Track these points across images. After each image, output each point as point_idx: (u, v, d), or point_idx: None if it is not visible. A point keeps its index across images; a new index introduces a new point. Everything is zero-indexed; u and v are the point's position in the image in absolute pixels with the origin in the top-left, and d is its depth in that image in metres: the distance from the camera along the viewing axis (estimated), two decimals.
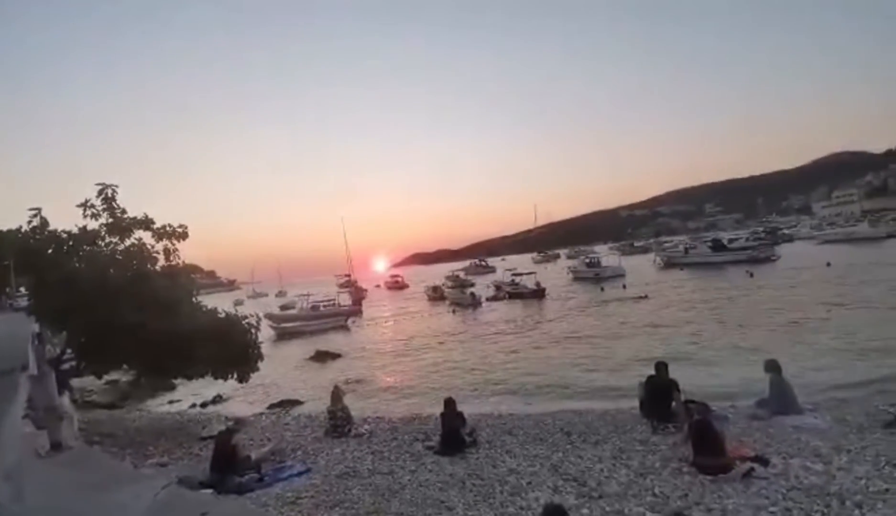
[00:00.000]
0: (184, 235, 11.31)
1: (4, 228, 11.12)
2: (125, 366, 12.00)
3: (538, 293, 36.69)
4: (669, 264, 50.38)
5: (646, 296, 28.80)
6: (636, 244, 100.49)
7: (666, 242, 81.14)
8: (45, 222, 10.69)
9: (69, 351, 10.63)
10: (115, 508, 3.74)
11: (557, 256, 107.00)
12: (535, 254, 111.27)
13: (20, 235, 11.11)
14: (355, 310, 39.66)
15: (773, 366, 7.79)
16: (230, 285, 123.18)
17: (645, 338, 17.56)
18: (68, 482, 4.44)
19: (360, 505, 5.71)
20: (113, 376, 14.13)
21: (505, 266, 60.66)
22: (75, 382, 12.27)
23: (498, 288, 42.23)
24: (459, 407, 8.17)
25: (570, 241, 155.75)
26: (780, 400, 7.60)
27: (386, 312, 41.65)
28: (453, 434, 7.62)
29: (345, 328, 32.49)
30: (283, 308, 44.31)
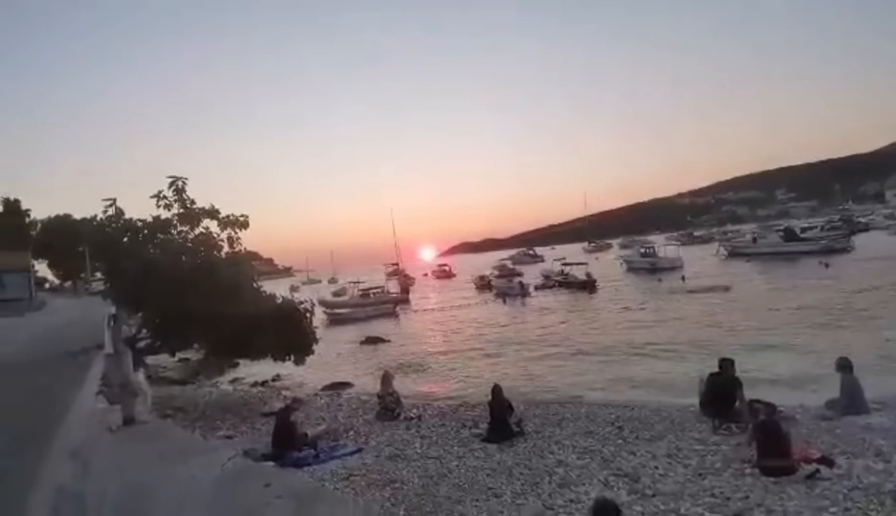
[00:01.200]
0: (245, 224, 11.98)
1: (79, 218, 12.25)
2: (195, 346, 12.95)
3: (589, 284, 35.61)
4: (734, 254, 47.28)
5: (727, 288, 26.65)
6: (697, 233, 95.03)
7: (730, 231, 76.13)
8: (120, 212, 11.64)
9: (145, 331, 11.62)
10: (184, 479, 4.02)
11: (609, 246, 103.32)
12: (585, 244, 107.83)
13: (95, 224, 12.17)
14: (403, 297, 40.41)
15: (844, 365, 7.36)
16: (287, 272, 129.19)
17: (706, 332, 16.61)
18: (139, 455, 4.79)
19: (409, 486, 5.87)
20: (185, 354, 15.29)
21: (554, 255, 59.30)
22: (151, 359, 13.41)
23: (546, 277, 41.50)
24: (506, 396, 8.17)
25: (623, 231, 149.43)
26: (850, 400, 7.20)
27: (433, 300, 42.14)
28: (501, 422, 7.64)
29: (393, 315, 33.20)
30: (335, 294, 45.86)
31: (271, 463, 6.46)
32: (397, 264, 69.81)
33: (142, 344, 11.28)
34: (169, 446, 5.17)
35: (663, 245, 54.46)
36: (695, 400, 8.03)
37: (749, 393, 7.31)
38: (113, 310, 11.71)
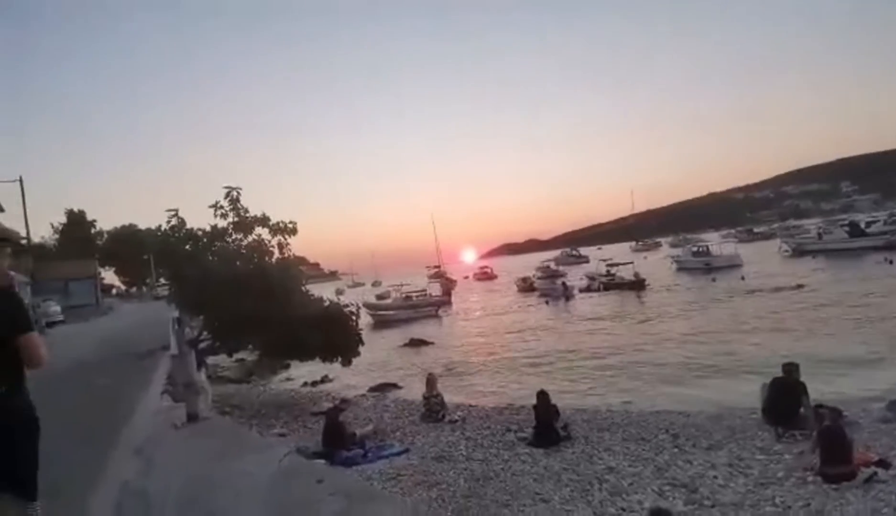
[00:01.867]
0: (294, 231, 12.49)
1: (143, 227, 13.29)
2: (250, 347, 13.61)
3: (637, 284, 34.30)
4: (799, 252, 44.15)
5: (799, 286, 24.87)
6: (756, 230, 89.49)
7: (793, 227, 71.21)
8: (182, 222, 12.45)
9: (205, 333, 12.34)
10: (242, 473, 4.22)
11: (658, 245, 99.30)
12: (633, 243, 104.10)
13: (160, 233, 13.06)
14: (445, 300, 40.57)
15: None
16: (332, 276, 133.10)
17: (770, 336, 15.49)
18: (202, 450, 5.05)
19: (455, 487, 5.89)
20: (241, 355, 16.07)
21: (599, 256, 57.60)
22: (210, 360, 14.20)
23: (592, 278, 40.36)
24: (552, 401, 8.04)
25: (673, 228, 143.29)
26: None
27: (475, 303, 42.06)
28: (547, 426, 7.52)
29: (435, 317, 33.41)
30: (379, 297, 46.76)
31: (322, 461, 6.66)
32: (439, 267, 70.24)
33: (202, 345, 11.97)
34: (228, 442, 5.44)
35: (719, 243, 51.41)
36: (757, 407, 7.62)
37: (815, 399, 6.97)
38: (177, 313, 12.51)
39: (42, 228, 46.69)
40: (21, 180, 19.00)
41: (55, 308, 24.28)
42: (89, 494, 3.51)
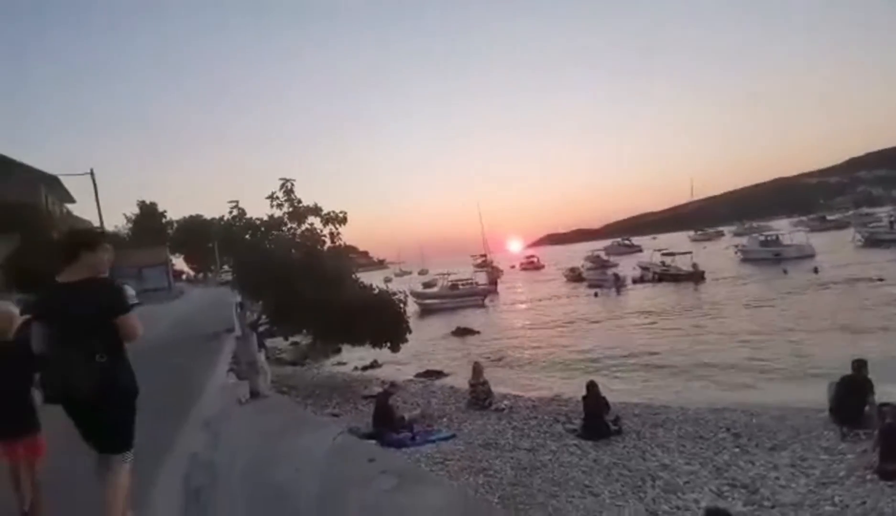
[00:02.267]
0: (344, 220, 12.90)
1: (209, 217, 14.27)
2: (304, 331, 14.29)
3: (695, 275, 32.46)
4: (873, 242, 40.20)
5: (880, 279, 22.62)
6: (829, 218, 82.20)
7: (865, 215, 64.87)
8: (242, 212, 13.20)
9: (264, 317, 13.07)
10: (300, 449, 4.45)
11: (720, 234, 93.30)
12: (691, 232, 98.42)
13: (223, 223, 13.91)
14: (491, 289, 40.42)
15: None
16: (380, 264, 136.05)
17: (842, 335, 14.27)
18: (263, 426, 5.36)
19: (502, 475, 5.93)
20: (296, 338, 16.87)
21: (655, 245, 54.97)
22: (268, 342, 15.02)
23: (645, 269, 38.72)
24: (602, 393, 7.86)
25: (736, 216, 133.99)
26: None
27: (521, 293, 41.64)
28: (597, 419, 7.38)
29: (481, 306, 33.41)
30: (426, 286, 47.28)
31: (373, 442, 6.92)
32: (485, 256, 69.97)
33: (262, 328, 12.70)
34: (287, 419, 5.74)
35: (789, 231, 47.54)
36: (825, 406, 7.20)
37: (886, 399, 6.46)
38: (239, 298, 13.29)
39: (116, 219, 50.77)
40: (92, 173, 20.60)
41: (131, 292, 26.59)
42: (160, 465, 3.79)
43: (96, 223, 21.79)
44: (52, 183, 23.38)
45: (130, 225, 49.98)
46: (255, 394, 6.51)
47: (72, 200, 30.49)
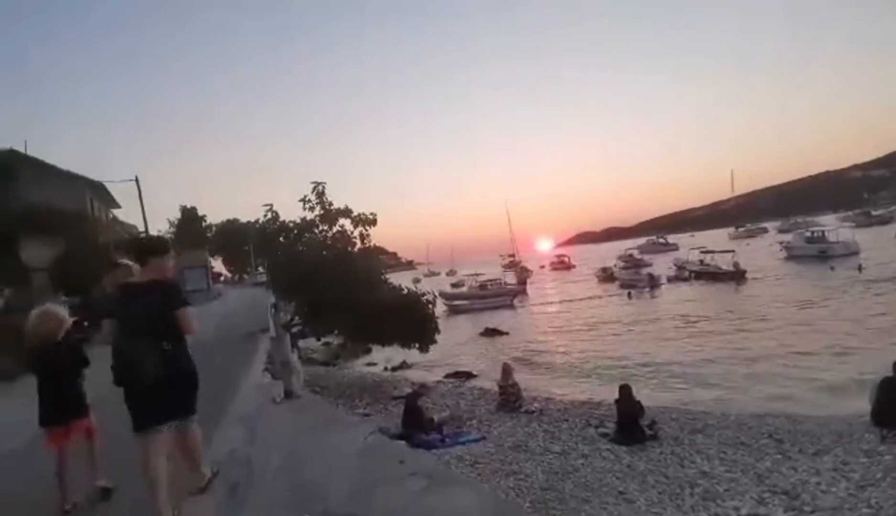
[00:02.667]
0: (373, 221, 13.07)
1: (245, 221, 14.76)
2: (336, 332, 14.56)
3: (736, 274, 31.12)
4: None
5: None
6: (875, 212, 77.36)
7: None
8: (276, 215, 13.57)
9: (297, 317, 13.39)
10: (332, 448, 4.52)
11: (764, 231, 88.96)
12: (731, 229, 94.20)
13: (258, 226, 14.35)
14: (520, 289, 40.09)
15: None
16: (409, 265, 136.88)
17: (887, 335, 13.47)
18: (296, 424, 5.47)
19: (533, 478, 5.85)
20: (327, 339, 17.19)
21: (693, 243, 52.93)
22: (301, 343, 15.37)
23: (680, 267, 37.50)
24: (636, 396, 7.66)
25: (780, 212, 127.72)
26: None
27: (551, 292, 41.05)
28: (631, 423, 7.19)
29: (510, 307, 33.16)
30: (454, 286, 47.31)
31: (402, 442, 6.96)
32: (514, 256, 69.38)
33: (294, 329, 13.01)
34: (319, 418, 5.84)
35: (835, 227, 45.05)
36: (868, 410, 6.96)
37: None
38: (273, 299, 13.67)
39: (160, 223, 53.25)
40: (137, 179, 21.70)
41: None
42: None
43: (141, 228, 22.86)
44: (98, 189, 24.67)
45: (173, 229, 52.28)
46: (288, 394, 6.64)
47: (117, 206, 32.06)
